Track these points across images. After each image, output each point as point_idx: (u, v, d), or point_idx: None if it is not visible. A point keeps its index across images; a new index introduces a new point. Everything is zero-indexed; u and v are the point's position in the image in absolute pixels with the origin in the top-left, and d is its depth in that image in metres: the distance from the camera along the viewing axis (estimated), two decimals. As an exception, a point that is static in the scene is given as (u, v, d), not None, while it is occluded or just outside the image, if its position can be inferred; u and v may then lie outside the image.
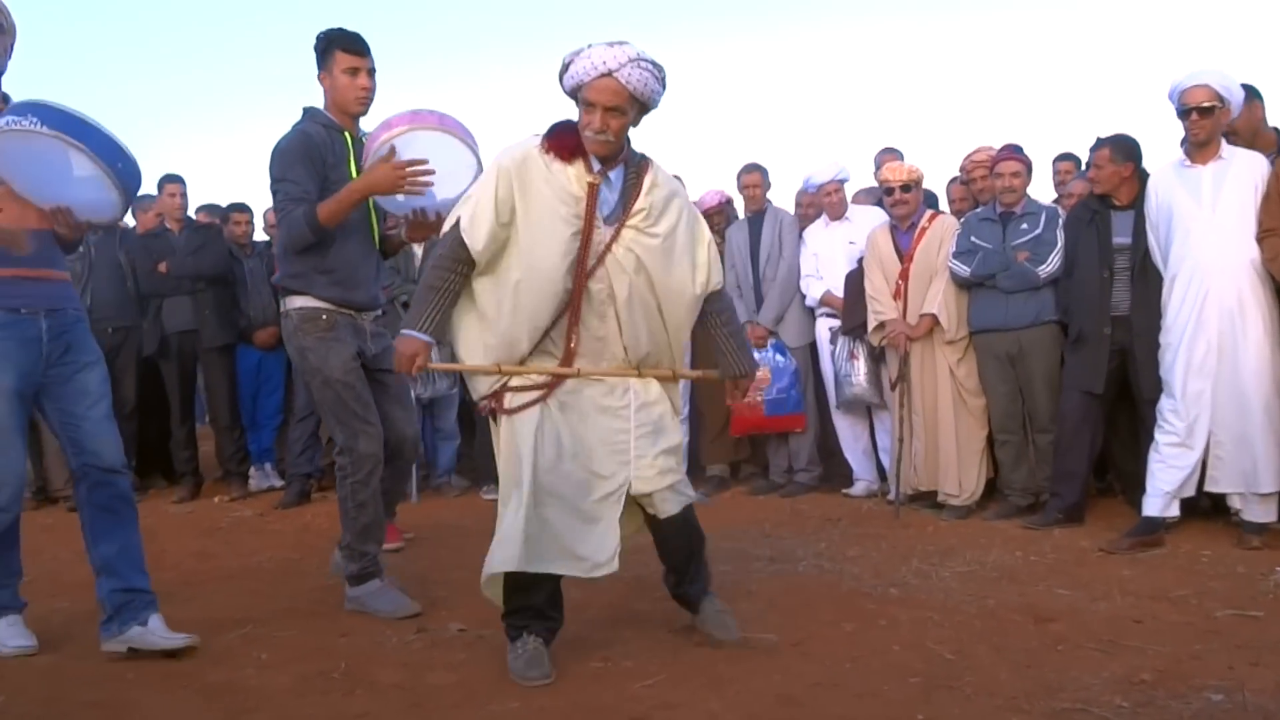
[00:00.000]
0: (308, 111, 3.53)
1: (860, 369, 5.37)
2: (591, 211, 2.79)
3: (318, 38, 3.49)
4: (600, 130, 2.73)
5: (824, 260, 5.64)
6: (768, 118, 19.34)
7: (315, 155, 3.40)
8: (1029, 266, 4.74)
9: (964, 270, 4.89)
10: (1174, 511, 4.16)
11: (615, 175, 2.85)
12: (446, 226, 2.89)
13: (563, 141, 2.81)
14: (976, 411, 4.98)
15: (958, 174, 5.75)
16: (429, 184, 3.29)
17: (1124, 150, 4.45)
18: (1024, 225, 4.84)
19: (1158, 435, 4.17)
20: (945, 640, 3.02)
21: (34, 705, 2.68)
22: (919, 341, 5.06)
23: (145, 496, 6.04)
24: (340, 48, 3.45)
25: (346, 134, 3.51)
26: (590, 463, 2.85)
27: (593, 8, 18.15)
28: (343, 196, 3.33)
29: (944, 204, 5.92)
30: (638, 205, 2.84)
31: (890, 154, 6.17)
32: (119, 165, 2.88)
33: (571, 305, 2.83)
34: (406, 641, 3.17)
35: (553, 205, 2.77)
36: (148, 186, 6.33)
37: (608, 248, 2.82)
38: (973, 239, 4.92)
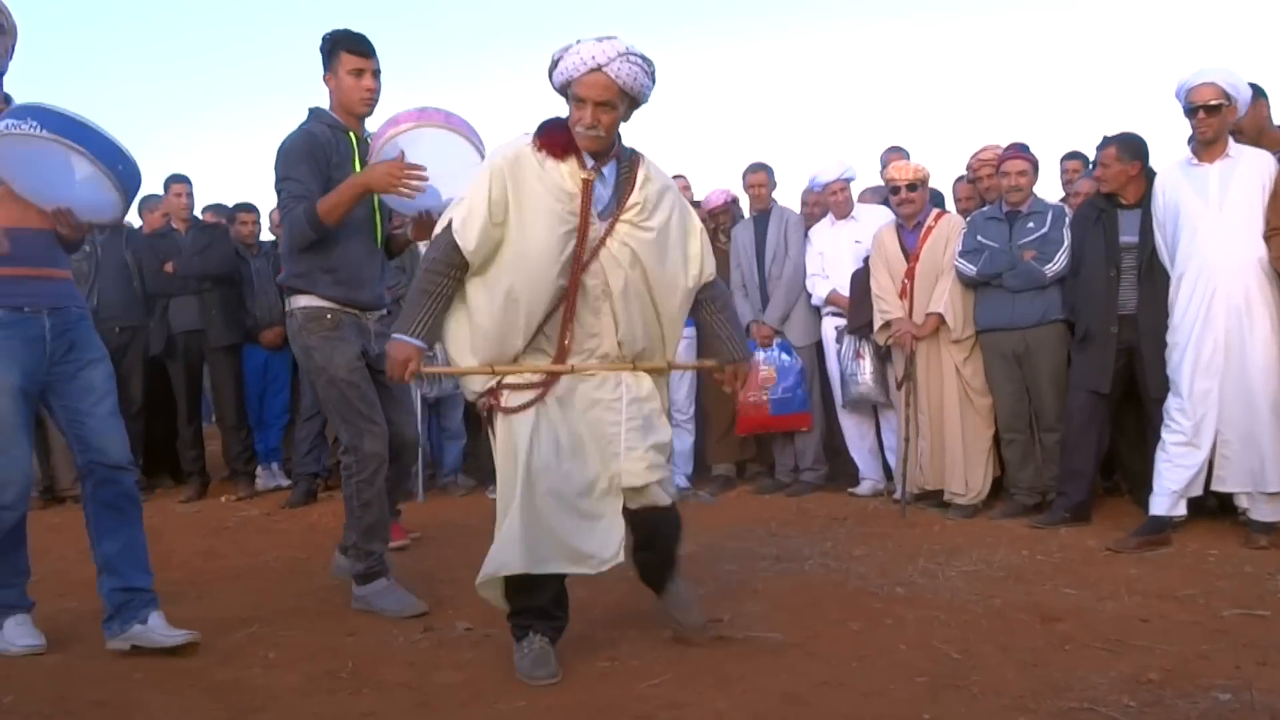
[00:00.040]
0: (313, 112, 3.55)
1: (866, 368, 5.36)
2: (587, 207, 2.79)
3: (323, 39, 3.51)
4: (591, 126, 2.73)
5: (830, 259, 5.63)
6: (773, 117, 19.37)
7: (319, 155, 3.41)
8: (1035, 265, 4.73)
9: (970, 269, 4.88)
10: (1181, 511, 4.15)
11: (608, 170, 2.85)
12: (438, 229, 2.87)
13: (554, 139, 2.80)
14: (983, 410, 4.97)
15: (964, 173, 5.75)
16: (421, 189, 3.29)
17: (1130, 149, 4.44)
18: (1030, 224, 4.83)
19: (1165, 434, 4.16)
20: (952, 639, 3.02)
21: (42, 704, 2.68)
22: (925, 340, 5.05)
23: (152, 496, 6.07)
24: (346, 49, 3.46)
25: (351, 134, 3.52)
26: (588, 460, 2.85)
27: (596, 9, 18.21)
28: (342, 190, 3.34)
29: (950, 203, 5.91)
30: (632, 200, 2.85)
31: (896, 153, 6.18)
32: (119, 167, 2.90)
33: (566, 301, 2.83)
34: (413, 641, 3.18)
35: (547, 203, 2.77)
36: (154, 186, 6.40)
37: (602, 242, 2.82)
38: (979, 238, 4.91)
